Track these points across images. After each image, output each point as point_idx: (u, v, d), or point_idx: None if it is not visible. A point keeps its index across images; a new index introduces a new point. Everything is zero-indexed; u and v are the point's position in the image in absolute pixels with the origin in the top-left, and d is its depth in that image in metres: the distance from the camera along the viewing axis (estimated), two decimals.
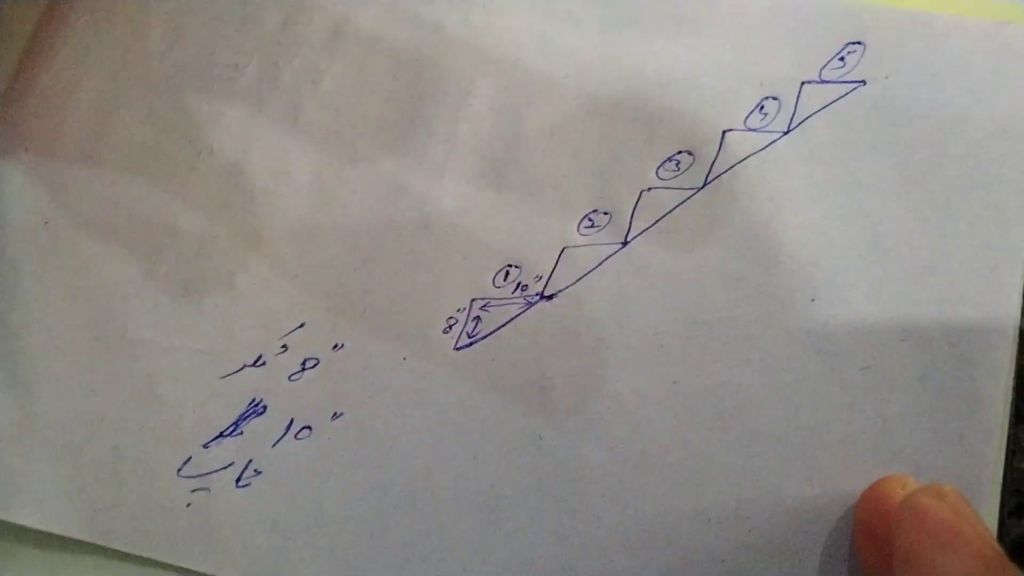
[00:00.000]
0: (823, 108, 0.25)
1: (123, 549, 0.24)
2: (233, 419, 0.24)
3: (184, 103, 0.27)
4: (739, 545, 0.22)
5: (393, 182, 0.26)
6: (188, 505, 0.24)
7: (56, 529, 0.24)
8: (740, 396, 0.23)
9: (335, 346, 0.24)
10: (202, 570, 0.23)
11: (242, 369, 0.24)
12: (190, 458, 0.24)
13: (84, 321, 0.26)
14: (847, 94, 0.25)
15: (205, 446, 0.24)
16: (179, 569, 0.23)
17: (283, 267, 0.25)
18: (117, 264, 0.26)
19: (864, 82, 0.25)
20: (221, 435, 0.24)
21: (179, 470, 0.24)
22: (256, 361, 0.24)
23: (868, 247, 0.24)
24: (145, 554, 0.24)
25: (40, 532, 0.24)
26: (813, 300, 0.24)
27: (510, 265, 0.25)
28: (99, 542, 0.24)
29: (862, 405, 0.23)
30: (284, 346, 0.25)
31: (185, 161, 0.27)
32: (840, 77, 0.25)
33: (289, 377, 0.24)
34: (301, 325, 0.25)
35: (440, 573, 0.23)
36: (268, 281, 0.25)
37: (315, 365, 0.24)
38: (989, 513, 0.21)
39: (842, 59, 0.26)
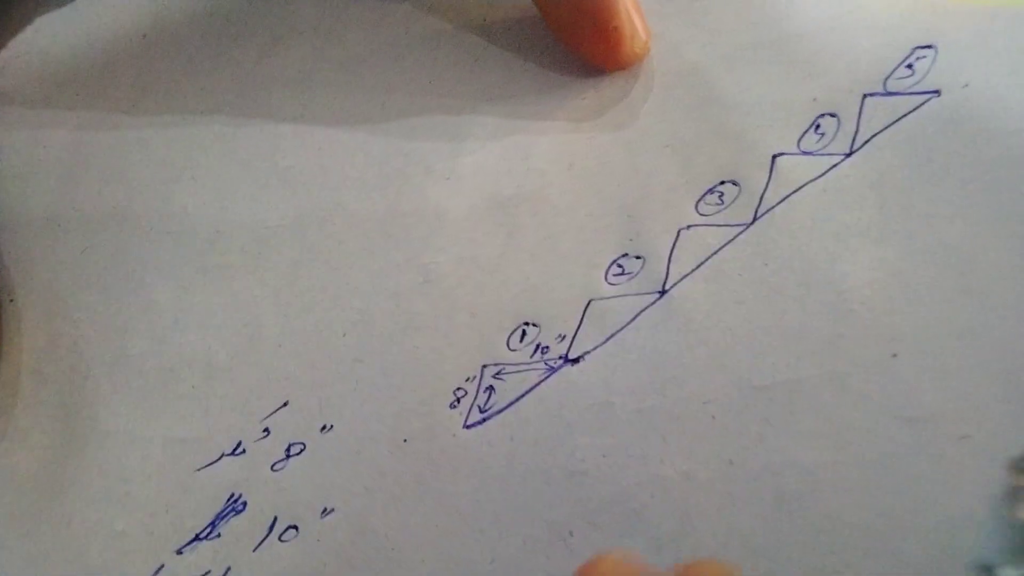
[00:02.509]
0: (891, 125, 0.21)
1: None
2: (210, 519, 0.21)
3: (154, 159, 0.24)
4: None
5: (385, 230, 0.22)
6: None
7: None
8: (810, 477, 0.19)
9: (323, 428, 0.21)
10: None
11: (220, 459, 0.21)
12: (162, 566, 0.21)
13: (52, 411, 0.22)
14: (918, 107, 0.21)
15: (179, 552, 0.21)
16: None
17: (263, 337, 0.22)
18: (88, 344, 0.23)
19: (938, 92, 0.21)
20: (197, 538, 0.21)
21: None
22: (235, 449, 0.21)
23: (955, 289, 0.20)
24: None
25: None
26: (894, 356, 0.20)
27: (527, 323, 0.21)
28: None
29: (961, 483, 0.19)
30: (266, 430, 0.21)
31: (157, 225, 0.23)
32: (909, 88, 0.21)
33: (272, 467, 0.21)
34: (284, 404, 0.21)
35: None
36: (247, 354, 0.22)
37: (301, 451, 0.21)
38: None
39: (910, 66, 0.22)
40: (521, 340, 0.21)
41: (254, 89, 0.24)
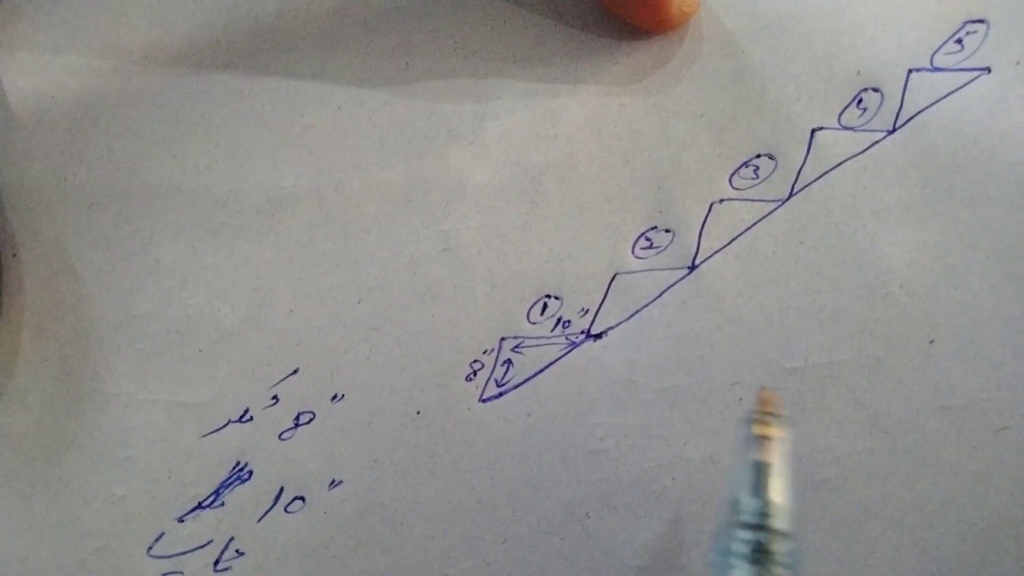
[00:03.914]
0: (937, 101, 0.20)
1: None
2: (214, 487, 0.20)
3: (166, 115, 0.23)
4: None
5: (405, 195, 0.21)
6: None
7: None
8: (840, 465, 0.19)
9: (334, 397, 0.20)
10: None
11: (226, 425, 0.20)
12: (163, 534, 0.20)
13: (53, 370, 0.22)
14: (967, 84, 0.20)
15: (181, 519, 0.20)
16: None
17: (275, 302, 0.21)
18: (92, 302, 0.22)
19: (988, 69, 0.20)
20: (200, 506, 0.20)
21: (150, 549, 0.20)
22: (243, 416, 0.20)
23: (999, 274, 0.19)
24: None
25: None
26: (933, 342, 0.19)
27: (549, 296, 0.20)
28: None
29: (999, 477, 0.18)
30: (275, 397, 0.20)
31: (168, 183, 0.22)
32: (957, 64, 0.20)
33: (280, 435, 0.20)
34: (294, 371, 0.20)
35: None
36: (257, 319, 0.21)
37: (310, 421, 0.20)
38: None
39: (959, 41, 0.21)
40: (542, 313, 0.20)
41: (273, 45, 0.23)
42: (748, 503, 0.15)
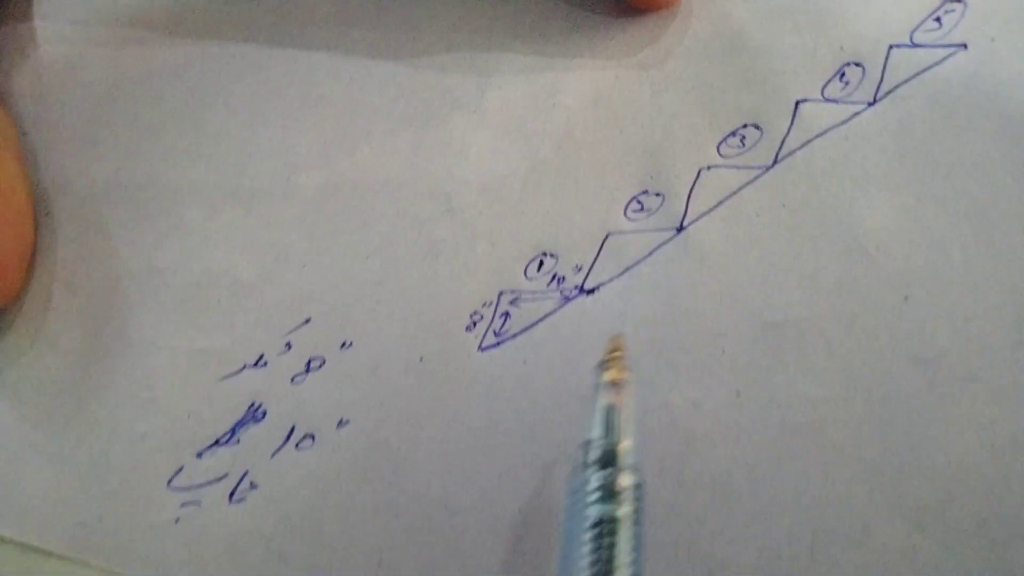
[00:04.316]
0: (916, 76, 0.21)
1: (104, 566, 0.21)
2: (230, 426, 0.21)
3: (189, 84, 0.25)
4: None
5: (411, 160, 0.23)
6: (176, 521, 0.21)
7: (36, 541, 0.22)
8: (817, 411, 0.20)
9: (343, 344, 0.21)
10: None
11: (242, 370, 0.22)
12: (182, 468, 0.21)
13: (82, 319, 0.23)
14: (944, 60, 0.21)
15: (199, 455, 0.21)
16: None
17: (289, 258, 0.22)
18: (119, 257, 0.23)
19: (965, 46, 0.21)
20: (216, 443, 0.21)
21: (170, 481, 0.21)
22: (258, 361, 0.22)
23: (970, 236, 0.20)
24: (127, 573, 0.21)
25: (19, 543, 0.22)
26: (906, 299, 0.20)
27: (545, 254, 0.22)
28: (79, 557, 0.21)
29: (966, 425, 0.19)
30: (288, 344, 0.22)
31: (190, 148, 0.24)
32: (936, 40, 0.22)
33: (292, 379, 0.21)
34: (307, 321, 0.22)
35: None
36: (272, 273, 0.22)
37: (321, 366, 0.21)
38: None
39: (938, 19, 0.22)
40: (539, 269, 0.22)
41: (290, 21, 0.25)
42: (600, 444, 0.17)
